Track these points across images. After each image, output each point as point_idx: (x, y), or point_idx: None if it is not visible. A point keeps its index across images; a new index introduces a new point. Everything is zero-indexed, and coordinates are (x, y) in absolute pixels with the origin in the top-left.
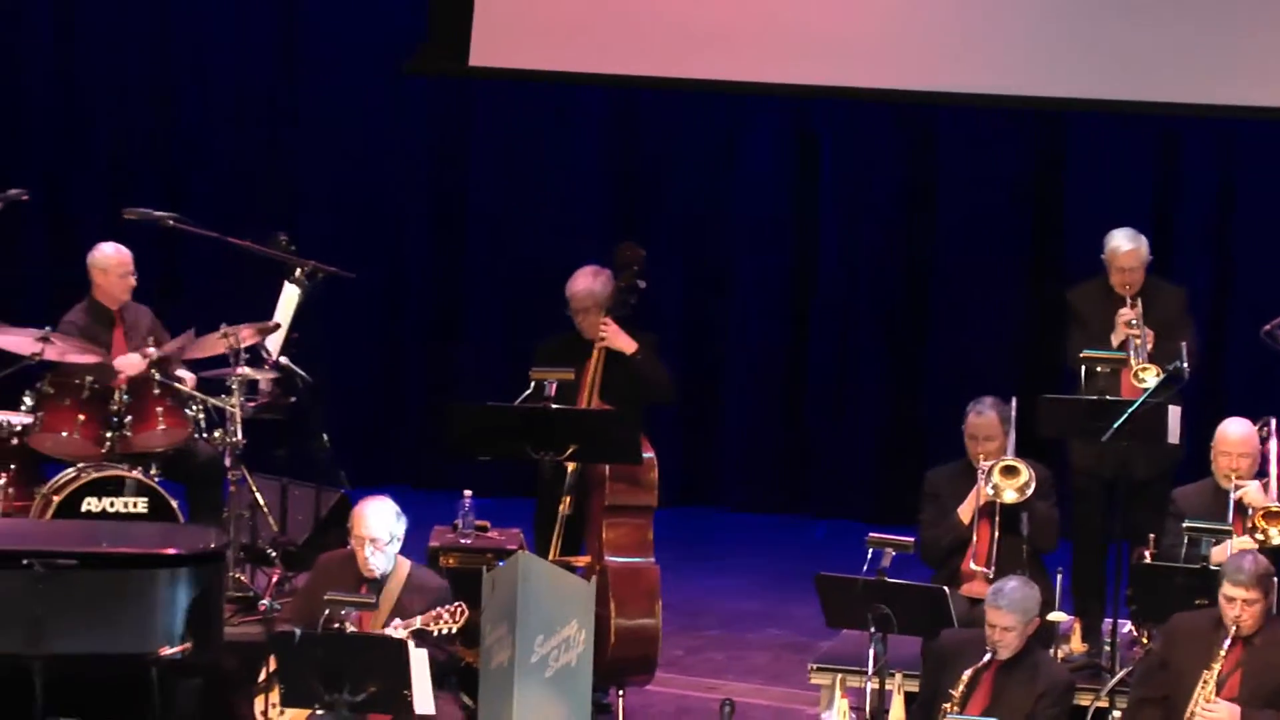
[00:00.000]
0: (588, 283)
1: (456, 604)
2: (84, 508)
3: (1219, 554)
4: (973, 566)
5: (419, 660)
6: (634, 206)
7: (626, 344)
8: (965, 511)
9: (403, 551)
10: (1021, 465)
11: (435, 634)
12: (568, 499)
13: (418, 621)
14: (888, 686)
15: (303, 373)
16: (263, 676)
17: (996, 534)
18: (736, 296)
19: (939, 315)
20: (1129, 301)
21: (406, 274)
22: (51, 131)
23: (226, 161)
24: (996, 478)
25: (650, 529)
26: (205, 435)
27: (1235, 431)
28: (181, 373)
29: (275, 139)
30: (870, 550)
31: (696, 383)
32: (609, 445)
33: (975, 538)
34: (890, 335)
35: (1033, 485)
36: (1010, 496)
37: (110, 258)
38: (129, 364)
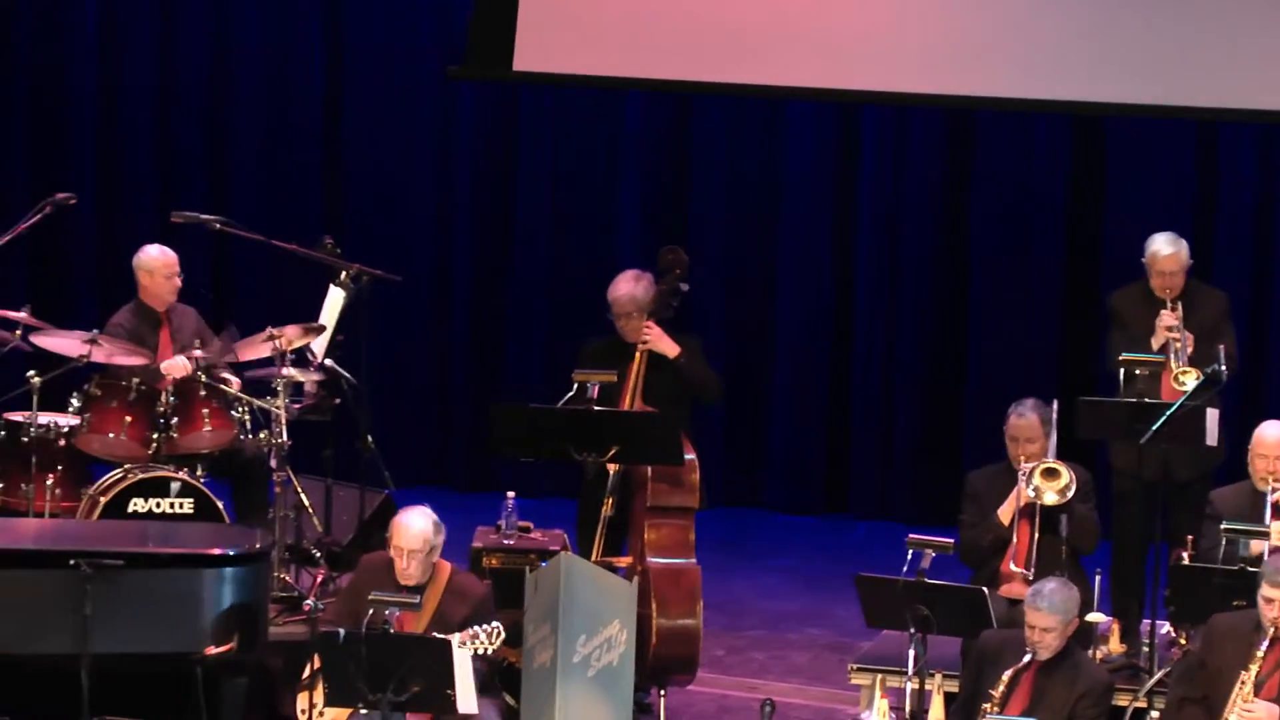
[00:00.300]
0: (629, 287)
1: (494, 625)
2: (130, 508)
3: (1257, 547)
4: (1012, 568)
5: (462, 660)
6: (677, 209)
7: (669, 347)
8: (1005, 513)
9: (447, 552)
10: (1062, 468)
11: (472, 653)
12: (610, 500)
13: (455, 639)
14: (927, 687)
15: (348, 375)
16: (305, 675)
17: (1036, 535)
18: (779, 299)
19: (979, 318)
20: (1169, 305)
21: (452, 277)
22: (99, 135)
23: (273, 165)
24: (1037, 480)
25: (692, 530)
26: (251, 436)
27: (1272, 434)
28: (226, 375)
29: (322, 143)
30: (910, 551)
31: (739, 385)
32: (651, 446)
33: (1015, 539)
34: (931, 337)
35: (1073, 488)
36: (1051, 499)
37: (156, 259)
38: (174, 367)
